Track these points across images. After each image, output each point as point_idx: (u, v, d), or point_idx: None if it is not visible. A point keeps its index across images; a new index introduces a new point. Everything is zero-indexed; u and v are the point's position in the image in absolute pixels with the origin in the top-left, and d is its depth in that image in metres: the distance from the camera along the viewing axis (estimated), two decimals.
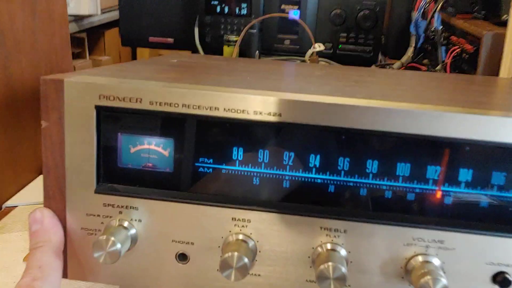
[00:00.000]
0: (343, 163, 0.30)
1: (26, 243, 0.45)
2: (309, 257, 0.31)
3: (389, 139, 0.30)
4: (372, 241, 0.30)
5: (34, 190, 0.57)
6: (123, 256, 0.31)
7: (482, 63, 0.73)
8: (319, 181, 0.31)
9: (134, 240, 0.32)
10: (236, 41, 0.97)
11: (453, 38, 0.84)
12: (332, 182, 0.31)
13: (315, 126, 0.29)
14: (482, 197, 0.30)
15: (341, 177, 0.31)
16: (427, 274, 0.28)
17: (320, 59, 1.14)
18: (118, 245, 0.30)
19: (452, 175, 0.30)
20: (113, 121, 0.31)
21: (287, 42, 1.20)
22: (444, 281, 0.28)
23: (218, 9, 1.19)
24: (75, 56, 1.98)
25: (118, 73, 0.36)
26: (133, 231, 0.32)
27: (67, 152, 0.31)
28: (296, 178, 0.31)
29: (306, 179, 0.31)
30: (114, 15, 2.07)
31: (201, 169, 0.32)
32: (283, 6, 1.18)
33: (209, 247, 0.31)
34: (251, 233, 0.31)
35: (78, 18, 1.88)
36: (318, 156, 0.30)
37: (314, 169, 0.31)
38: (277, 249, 0.31)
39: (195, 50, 1.22)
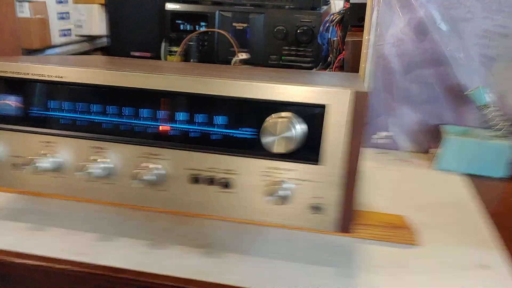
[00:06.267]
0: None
1: None
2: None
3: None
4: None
5: None
6: None
7: (346, 64, 0.91)
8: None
9: None
10: (177, 51, 1.18)
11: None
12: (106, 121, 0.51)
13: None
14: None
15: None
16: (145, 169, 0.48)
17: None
18: None
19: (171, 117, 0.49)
20: None
21: (240, 54, 1.40)
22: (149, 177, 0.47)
23: (181, 27, 1.41)
24: None
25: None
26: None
27: None
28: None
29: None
30: None
31: (31, 114, 0.53)
32: (234, 24, 1.39)
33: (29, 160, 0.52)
34: (55, 150, 0.51)
35: (90, 38, 2.16)
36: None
37: (93, 113, 0.51)
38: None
39: None
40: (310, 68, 1.34)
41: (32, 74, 0.50)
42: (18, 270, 0.51)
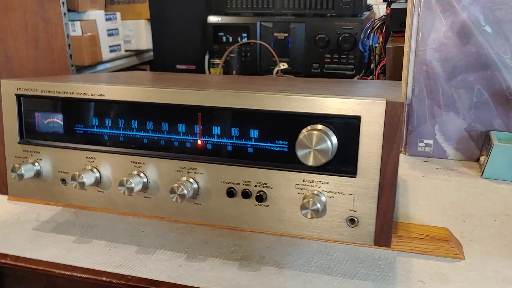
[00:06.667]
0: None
1: None
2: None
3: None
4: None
5: None
6: (38, 181, 0.54)
7: (388, 70, 0.89)
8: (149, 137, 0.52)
9: (38, 171, 0.55)
10: (219, 63, 1.20)
11: None
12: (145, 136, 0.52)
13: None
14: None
15: (149, 133, 0.52)
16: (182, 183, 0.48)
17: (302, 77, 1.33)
18: (23, 171, 0.53)
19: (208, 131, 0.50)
20: (27, 103, 0.55)
21: (281, 64, 1.40)
22: (186, 191, 0.48)
23: (224, 39, 1.43)
24: None
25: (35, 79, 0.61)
26: (38, 167, 0.55)
27: (4, 121, 0.56)
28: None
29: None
30: None
31: (76, 131, 0.55)
32: (275, 34, 1.39)
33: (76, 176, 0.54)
34: (98, 165, 0.53)
35: (139, 53, 2.23)
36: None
37: (134, 129, 0.52)
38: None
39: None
40: (353, 76, 1.32)
41: (76, 93, 0.52)
42: (63, 282, 0.53)
